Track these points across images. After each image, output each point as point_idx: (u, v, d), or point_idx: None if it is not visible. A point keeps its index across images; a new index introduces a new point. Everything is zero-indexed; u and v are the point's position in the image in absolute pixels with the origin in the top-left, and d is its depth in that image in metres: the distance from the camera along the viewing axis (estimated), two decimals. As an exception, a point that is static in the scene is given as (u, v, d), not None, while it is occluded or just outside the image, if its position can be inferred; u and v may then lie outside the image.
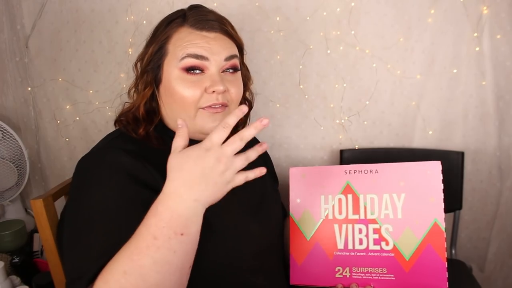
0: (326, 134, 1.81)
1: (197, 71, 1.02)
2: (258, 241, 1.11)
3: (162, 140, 1.08)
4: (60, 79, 1.78)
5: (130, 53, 1.72)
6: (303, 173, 1.14)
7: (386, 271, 1.02)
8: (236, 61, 1.08)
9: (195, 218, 0.77)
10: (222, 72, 1.05)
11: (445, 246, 1.00)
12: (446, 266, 0.99)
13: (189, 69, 1.02)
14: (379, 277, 1.03)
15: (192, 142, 1.10)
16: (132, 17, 1.70)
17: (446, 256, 1.00)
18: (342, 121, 1.78)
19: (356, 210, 1.07)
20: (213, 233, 0.99)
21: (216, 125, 0.87)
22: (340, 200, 1.09)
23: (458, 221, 1.78)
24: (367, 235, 1.05)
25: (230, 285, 1.04)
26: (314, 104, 1.78)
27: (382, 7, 1.67)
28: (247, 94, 1.26)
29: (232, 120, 0.77)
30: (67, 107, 1.81)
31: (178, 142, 0.83)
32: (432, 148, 1.78)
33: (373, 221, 1.05)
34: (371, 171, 1.07)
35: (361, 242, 1.05)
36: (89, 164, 0.98)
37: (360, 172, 1.08)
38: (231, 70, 1.07)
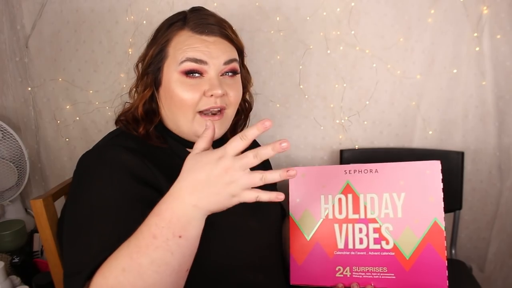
0: (326, 134, 1.81)
1: (196, 75, 1.03)
2: (257, 240, 1.12)
3: (163, 138, 1.09)
4: (60, 79, 1.78)
5: (130, 53, 1.72)
6: (303, 173, 1.14)
7: (386, 270, 1.02)
8: (235, 65, 1.08)
9: (195, 223, 0.77)
10: (221, 75, 1.06)
11: (445, 245, 1.00)
12: (446, 264, 0.99)
13: (188, 73, 1.03)
14: (380, 276, 1.03)
15: (192, 143, 1.11)
16: (132, 17, 1.70)
17: (446, 255, 1.00)
18: (342, 121, 1.78)
19: (356, 210, 1.07)
20: (213, 231, 0.99)
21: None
22: (340, 199, 1.09)
23: (458, 221, 1.78)
24: (367, 235, 1.05)
25: (229, 283, 1.04)
26: (314, 104, 1.78)
27: (382, 7, 1.67)
28: (247, 96, 1.26)
29: (251, 133, 0.73)
30: (67, 107, 1.81)
31: (199, 143, 0.81)
32: (432, 148, 1.78)
33: (373, 221, 1.05)
34: (371, 170, 1.07)
35: (361, 242, 1.05)
36: (90, 161, 0.99)
37: (360, 172, 1.08)
38: (230, 73, 1.08)
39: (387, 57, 1.71)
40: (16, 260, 1.58)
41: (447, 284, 0.99)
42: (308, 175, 1.14)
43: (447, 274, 0.99)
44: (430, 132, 1.77)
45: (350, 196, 1.08)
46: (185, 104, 1.03)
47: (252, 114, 1.34)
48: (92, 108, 1.80)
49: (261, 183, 0.73)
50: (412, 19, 1.68)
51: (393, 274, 1.02)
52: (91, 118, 1.82)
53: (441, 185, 1.02)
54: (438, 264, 1.00)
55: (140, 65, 1.13)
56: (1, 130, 1.66)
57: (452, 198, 1.71)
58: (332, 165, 1.26)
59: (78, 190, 0.96)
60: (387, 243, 1.03)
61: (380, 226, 1.04)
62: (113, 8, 1.71)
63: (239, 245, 1.06)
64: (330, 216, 1.09)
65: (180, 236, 0.76)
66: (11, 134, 1.67)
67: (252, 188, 0.75)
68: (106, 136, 1.12)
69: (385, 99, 1.76)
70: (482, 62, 1.69)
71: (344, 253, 1.06)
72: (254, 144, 1.39)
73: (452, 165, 1.71)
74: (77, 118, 1.82)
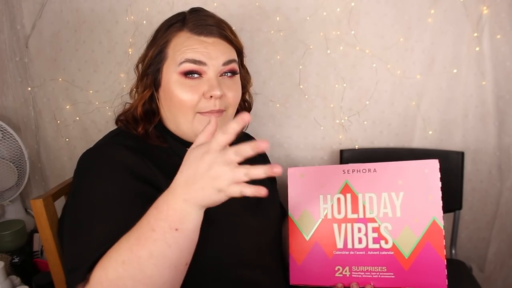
0: (326, 134, 1.81)
1: (195, 76, 1.04)
2: (256, 237, 1.12)
3: (163, 138, 1.10)
4: (60, 79, 1.78)
5: (130, 53, 1.72)
6: (302, 173, 1.14)
7: (385, 270, 1.03)
8: (234, 66, 1.09)
9: (190, 216, 0.77)
10: (220, 76, 1.06)
11: (444, 244, 1.00)
12: (445, 263, 0.99)
13: (187, 74, 1.04)
14: (379, 276, 1.03)
15: (192, 143, 1.11)
16: (132, 17, 1.70)
17: (445, 253, 1.00)
18: (342, 121, 1.78)
19: (355, 209, 1.07)
20: (212, 228, 1.00)
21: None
22: (339, 199, 1.09)
23: (458, 221, 1.78)
24: (366, 234, 1.05)
25: (227, 280, 1.05)
26: (314, 104, 1.78)
27: (382, 7, 1.67)
28: (246, 96, 1.26)
29: (232, 127, 0.74)
30: (67, 107, 1.81)
31: (199, 137, 0.82)
32: (432, 148, 1.78)
33: (372, 220, 1.05)
34: (369, 170, 1.08)
35: (360, 241, 1.06)
36: (90, 159, 1.01)
37: (359, 171, 1.08)
38: (229, 74, 1.08)
39: (387, 57, 1.71)
40: (16, 260, 1.58)
41: (446, 283, 0.99)
42: (306, 175, 1.14)
43: (446, 273, 0.99)
44: (430, 132, 1.77)
45: (349, 195, 1.08)
46: (184, 105, 1.04)
47: (252, 114, 1.34)
48: (92, 108, 1.80)
49: (245, 179, 0.73)
50: (412, 19, 1.68)
51: (392, 274, 1.02)
52: (91, 118, 1.82)
53: (439, 184, 1.02)
54: (437, 263, 1.00)
55: (140, 66, 1.14)
56: (1, 130, 1.66)
57: (452, 198, 1.71)
58: (330, 165, 1.26)
59: (78, 187, 0.97)
60: (386, 242, 1.04)
61: (379, 225, 1.05)
62: (113, 8, 1.71)
63: (237, 242, 1.07)
64: (329, 216, 1.09)
65: (176, 229, 0.76)
66: (11, 134, 1.67)
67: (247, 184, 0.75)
68: (106, 135, 1.13)
69: (385, 99, 1.76)
70: (482, 62, 1.68)
71: (343, 252, 1.07)
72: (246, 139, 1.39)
73: (452, 165, 1.71)
74: (77, 118, 1.82)
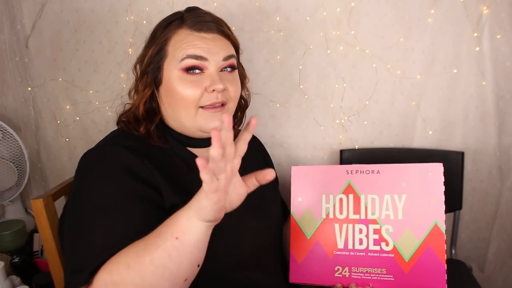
0: (326, 134, 1.81)
1: (197, 71, 1.05)
2: (257, 239, 1.12)
3: (164, 138, 1.10)
4: (60, 79, 1.78)
5: (130, 53, 1.72)
6: (305, 172, 1.14)
7: (385, 272, 1.03)
8: (233, 61, 1.11)
9: (192, 228, 0.78)
10: (220, 71, 1.08)
11: (445, 248, 1.00)
12: (446, 268, 0.99)
13: (189, 69, 1.05)
14: (378, 278, 1.03)
15: (193, 139, 1.12)
16: (132, 17, 1.70)
17: (445, 258, 1.00)
18: (342, 121, 1.78)
19: (357, 210, 1.07)
20: (213, 229, 1.00)
21: (216, 125, 0.96)
22: (341, 199, 1.09)
23: (458, 221, 1.78)
24: (367, 235, 1.05)
25: (228, 281, 1.06)
26: (314, 104, 1.78)
27: (382, 7, 1.67)
28: (243, 93, 1.27)
29: (244, 138, 0.78)
30: (67, 107, 1.81)
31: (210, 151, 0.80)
32: (432, 148, 1.78)
33: (374, 222, 1.05)
34: (372, 171, 1.08)
35: (361, 242, 1.06)
36: (92, 159, 1.02)
37: (362, 172, 1.08)
38: (229, 69, 1.10)
39: (387, 57, 1.71)
40: (16, 260, 1.58)
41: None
42: (310, 174, 1.14)
43: (446, 278, 0.99)
44: (430, 132, 1.77)
45: (351, 196, 1.08)
46: (187, 101, 1.04)
47: (252, 114, 1.34)
48: (92, 108, 1.80)
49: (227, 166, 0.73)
50: (412, 19, 1.67)
51: (392, 276, 1.02)
52: (91, 118, 1.81)
53: (443, 188, 1.02)
54: (437, 267, 1.00)
55: (138, 66, 1.15)
56: (1, 130, 1.66)
57: (452, 198, 1.71)
58: (334, 165, 1.26)
59: (79, 188, 0.98)
60: (387, 244, 1.03)
61: (381, 227, 1.05)
62: (113, 8, 1.71)
63: (238, 243, 1.07)
64: (331, 216, 1.09)
65: (177, 238, 0.77)
66: (11, 134, 1.67)
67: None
68: (107, 136, 1.13)
69: (385, 99, 1.75)
70: (482, 62, 1.68)
71: (344, 253, 1.07)
72: (254, 142, 1.39)
73: (452, 165, 1.71)
74: (77, 118, 1.82)
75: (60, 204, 1.23)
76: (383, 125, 1.79)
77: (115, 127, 1.18)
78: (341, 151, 1.79)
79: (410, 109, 1.76)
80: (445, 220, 1.02)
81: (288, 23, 1.70)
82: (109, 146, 1.05)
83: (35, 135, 1.85)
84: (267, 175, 0.84)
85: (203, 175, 0.69)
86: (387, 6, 1.66)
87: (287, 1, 1.68)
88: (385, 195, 1.05)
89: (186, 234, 0.78)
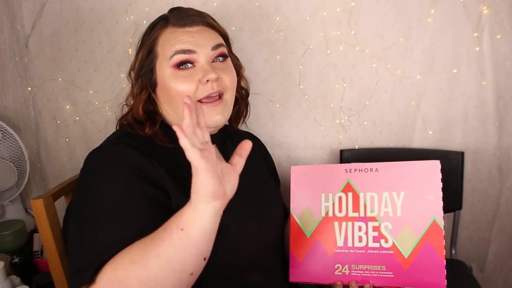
0: (326, 134, 1.81)
1: (188, 65, 1.06)
2: (258, 240, 1.12)
3: (169, 138, 1.10)
4: (60, 79, 1.78)
5: (130, 53, 1.71)
6: (304, 171, 1.14)
7: (385, 269, 1.03)
8: (223, 49, 1.11)
9: (196, 216, 0.77)
10: (212, 62, 1.08)
11: (444, 244, 1.00)
12: (445, 264, 0.99)
13: (180, 65, 1.06)
14: (378, 275, 1.03)
15: None
16: (132, 17, 1.70)
17: (444, 254, 1.00)
18: (342, 121, 1.78)
19: (356, 208, 1.07)
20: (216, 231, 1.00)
21: (217, 119, 1.01)
22: (340, 198, 1.09)
23: (458, 221, 1.78)
24: (366, 233, 1.05)
25: (229, 282, 1.05)
26: (314, 104, 1.78)
27: (382, 7, 1.67)
28: (242, 83, 1.27)
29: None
30: (67, 107, 1.81)
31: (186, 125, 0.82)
32: (432, 148, 1.78)
33: (373, 219, 1.05)
34: (371, 169, 1.08)
35: (360, 240, 1.06)
36: (98, 159, 1.01)
37: (361, 171, 1.09)
38: (220, 59, 1.11)
39: (387, 57, 1.71)
40: (16, 260, 1.58)
41: (446, 283, 0.99)
42: (309, 173, 1.14)
43: (445, 273, 0.99)
44: (430, 132, 1.77)
45: (350, 194, 1.08)
46: (183, 96, 1.04)
47: (252, 114, 1.35)
48: (92, 108, 1.80)
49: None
50: (412, 19, 1.67)
51: (391, 273, 1.02)
52: (91, 118, 1.81)
53: (440, 185, 1.02)
54: (436, 263, 1.00)
55: (132, 73, 1.16)
56: (1, 130, 1.66)
57: (452, 198, 1.71)
58: (333, 164, 1.27)
59: (85, 188, 0.97)
60: (386, 241, 1.04)
61: (380, 224, 1.05)
62: (113, 8, 1.71)
63: (240, 245, 1.07)
64: (330, 214, 1.09)
65: (182, 229, 0.77)
66: (11, 134, 1.67)
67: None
68: (111, 136, 1.13)
69: (385, 99, 1.76)
70: (482, 62, 1.68)
71: (343, 251, 1.07)
72: (255, 143, 1.39)
73: (452, 165, 1.71)
74: (77, 118, 1.82)
75: (60, 204, 1.23)
76: (383, 125, 1.79)
77: (114, 127, 1.18)
78: (341, 151, 1.79)
79: (410, 109, 1.76)
80: (444, 217, 1.02)
81: (288, 23, 1.70)
82: (115, 146, 1.04)
83: (35, 135, 1.85)
84: (244, 144, 0.86)
85: (182, 140, 0.72)
86: (387, 6, 1.67)
87: (287, 1, 1.68)
88: (384, 192, 1.05)
89: (191, 224, 0.77)
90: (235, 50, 1.28)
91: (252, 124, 1.74)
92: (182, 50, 1.05)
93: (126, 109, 1.19)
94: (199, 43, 1.06)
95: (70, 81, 1.78)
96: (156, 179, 0.98)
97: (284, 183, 1.50)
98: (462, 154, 1.71)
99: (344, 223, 1.08)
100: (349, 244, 1.06)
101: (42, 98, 1.81)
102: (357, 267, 1.05)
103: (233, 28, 1.65)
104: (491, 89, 1.70)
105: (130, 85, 1.17)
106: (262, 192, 1.23)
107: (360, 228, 1.06)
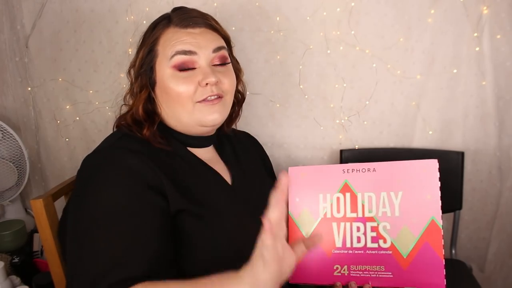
0: (326, 134, 1.81)
1: (189, 67, 1.05)
2: (257, 241, 1.11)
3: (166, 140, 1.09)
4: (60, 79, 1.78)
5: (130, 53, 1.72)
6: (302, 172, 1.14)
7: (383, 269, 1.02)
8: (224, 52, 1.11)
9: None
10: (213, 65, 1.08)
11: (443, 244, 1.00)
12: (444, 263, 0.99)
13: (180, 66, 1.05)
14: (377, 275, 1.02)
15: (194, 139, 1.11)
16: (132, 17, 1.71)
17: (443, 253, 1.00)
18: (342, 121, 1.78)
19: (354, 209, 1.07)
20: (214, 232, 1.00)
21: (215, 117, 1.00)
22: (338, 198, 1.09)
23: (458, 221, 1.77)
24: (365, 233, 1.05)
25: None
26: (314, 104, 1.78)
27: (382, 7, 1.67)
28: (239, 86, 1.27)
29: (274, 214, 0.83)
30: (67, 107, 1.81)
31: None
32: (432, 148, 1.78)
33: (371, 219, 1.05)
34: (368, 169, 1.07)
35: (359, 240, 1.05)
36: (96, 163, 0.99)
37: (358, 171, 1.08)
38: (221, 64, 1.10)
39: (387, 57, 1.71)
40: (16, 260, 1.59)
41: (445, 283, 0.98)
42: (307, 174, 1.14)
43: (444, 273, 0.99)
44: (430, 132, 1.77)
45: (348, 195, 1.08)
46: (182, 97, 1.05)
47: (252, 114, 1.35)
48: (92, 108, 1.80)
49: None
50: (412, 19, 1.67)
51: (390, 273, 1.02)
52: (91, 118, 1.82)
53: (438, 184, 1.02)
54: (435, 263, 0.99)
55: (132, 70, 1.15)
56: (1, 130, 1.66)
57: (452, 198, 1.71)
58: (330, 164, 1.26)
59: (83, 191, 0.96)
60: (385, 241, 1.03)
61: (378, 224, 1.04)
62: (113, 8, 1.71)
63: (236, 247, 1.06)
64: (328, 215, 1.09)
65: None
66: (11, 134, 1.67)
67: None
68: (108, 138, 1.11)
69: (385, 99, 1.76)
70: (482, 62, 1.68)
71: (342, 251, 1.06)
72: (252, 142, 1.39)
73: (452, 165, 1.71)
74: (77, 118, 1.82)
75: (60, 204, 1.23)
76: (383, 125, 1.79)
77: (115, 128, 1.18)
78: (341, 151, 1.79)
79: (410, 109, 1.76)
80: (444, 217, 1.02)
81: (288, 23, 1.70)
82: (113, 149, 1.02)
83: (35, 135, 1.85)
84: (316, 238, 0.91)
85: (268, 240, 0.74)
86: (387, 6, 1.67)
87: (287, 1, 1.68)
88: (382, 192, 1.05)
89: None
90: (235, 50, 1.28)
91: (252, 124, 1.74)
92: (183, 51, 1.04)
93: (124, 109, 1.17)
94: (201, 45, 1.05)
95: (70, 81, 1.78)
96: (156, 184, 0.97)
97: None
98: (462, 154, 1.71)
99: (342, 224, 1.07)
100: (348, 244, 1.06)
101: (42, 98, 1.81)
102: (356, 268, 1.04)
103: (233, 28, 1.65)
104: (491, 89, 1.70)
105: (129, 83, 1.17)
106: (261, 193, 1.23)
107: (358, 229, 1.06)
